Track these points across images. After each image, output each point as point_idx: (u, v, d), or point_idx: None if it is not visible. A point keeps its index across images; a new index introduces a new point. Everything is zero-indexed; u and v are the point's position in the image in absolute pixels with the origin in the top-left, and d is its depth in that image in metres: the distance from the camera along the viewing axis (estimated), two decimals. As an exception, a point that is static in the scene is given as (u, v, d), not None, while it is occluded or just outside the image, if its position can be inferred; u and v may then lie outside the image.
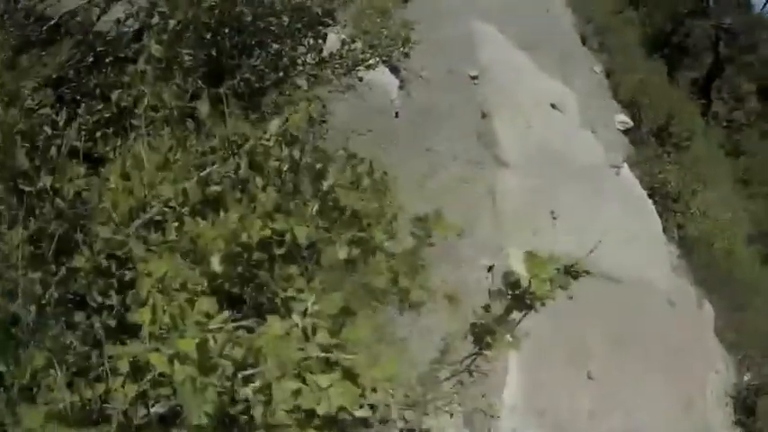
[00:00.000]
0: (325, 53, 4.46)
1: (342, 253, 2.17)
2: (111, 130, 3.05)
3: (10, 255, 1.95)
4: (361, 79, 4.71)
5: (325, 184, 2.27)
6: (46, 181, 2.12)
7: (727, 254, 11.79)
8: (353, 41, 4.94)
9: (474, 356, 2.29)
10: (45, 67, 3.01)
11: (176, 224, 2.07)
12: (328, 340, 1.82)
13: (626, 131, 12.86)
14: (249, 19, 3.42)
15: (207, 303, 1.77)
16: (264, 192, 2.13)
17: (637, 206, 9.99)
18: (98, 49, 3.30)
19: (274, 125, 2.27)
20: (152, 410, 1.68)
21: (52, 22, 3.20)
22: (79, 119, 2.79)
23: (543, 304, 2.42)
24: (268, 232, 2.03)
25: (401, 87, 8.18)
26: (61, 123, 2.67)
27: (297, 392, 1.68)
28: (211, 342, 1.64)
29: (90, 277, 2.02)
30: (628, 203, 9.82)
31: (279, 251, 2.01)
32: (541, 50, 11.90)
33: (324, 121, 4.71)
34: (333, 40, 5.59)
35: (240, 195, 2.18)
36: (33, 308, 1.88)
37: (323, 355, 1.77)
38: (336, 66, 4.57)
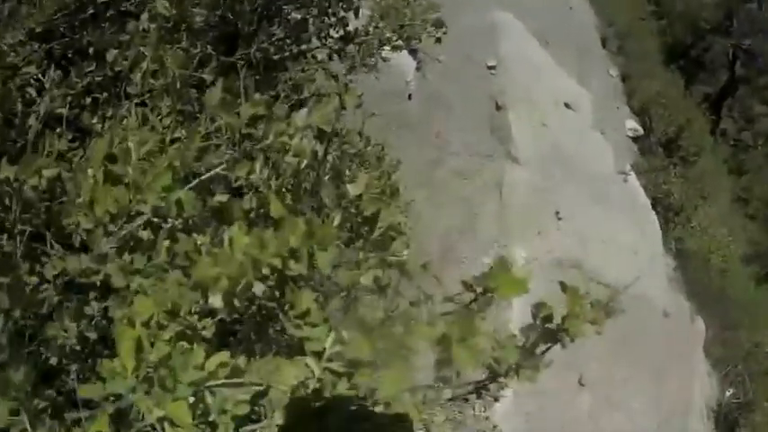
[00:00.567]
0: (350, 28, 4.23)
1: (369, 279, 1.91)
2: (103, 95, 2.75)
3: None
4: (385, 60, 4.48)
5: (351, 192, 2.01)
6: (8, 171, 1.75)
7: (722, 272, 11.70)
8: (382, 18, 4.70)
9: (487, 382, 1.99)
10: (31, 17, 2.66)
11: (168, 243, 1.77)
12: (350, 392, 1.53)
13: (635, 138, 12.68)
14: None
15: (203, 352, 1.49)
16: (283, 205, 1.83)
17: (640, 216, 9.83)
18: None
19: (301, 117, 1.99)
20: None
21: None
22: (66, 81, 2.49)
23: (573, 340, 2.16)
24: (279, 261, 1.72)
25: (418, 69, 7.93)
26: (48, 85, 2.39)
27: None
28: (209, 399, 1.39)
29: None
30: (632, 212, 9.66)
31: (292, 272, 1.71)
32: (560, 47, 11.65)
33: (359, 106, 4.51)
34: (360, 16, 5.37)
35: (251, 207, 1.89)
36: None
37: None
38: (362, 43, 4.33)
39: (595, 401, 7.47)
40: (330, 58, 4.14)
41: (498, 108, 8.38)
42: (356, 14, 3.78)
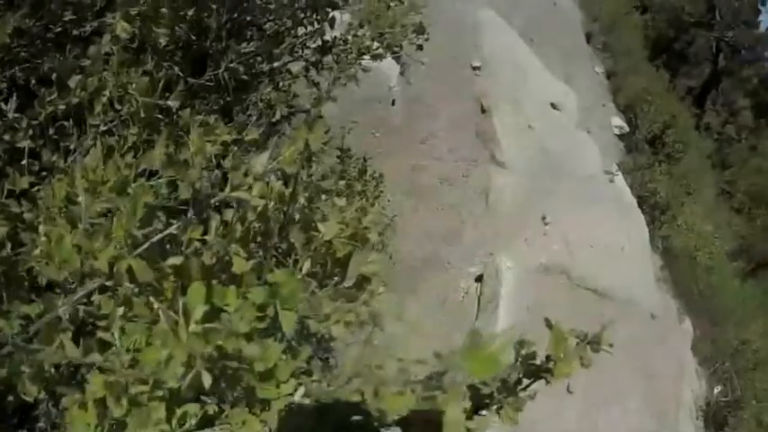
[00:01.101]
0: (327, 37, 3.97)
1: (340, 329, 1.71)
2: (69, 125, 2.51)
3: None
4: (366, 70, 4.23)
5: (323, 236, 1.81)
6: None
7: (709, 269, 11.58)
8: (361, 26, 4.45)
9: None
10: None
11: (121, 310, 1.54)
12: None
13: (621, 136, 12.51)
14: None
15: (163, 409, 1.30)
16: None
17: (627, 216, 9.66)
18: (64, 19, 2.71)
19: (261, 162, 1.76)
20: None
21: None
22: (29, 111, 2.23)
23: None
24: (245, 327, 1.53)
25: (401, 73, 7.66)
26: (11, 115, 2.16)
27: None
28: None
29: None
30: (618, 213, 9.49)
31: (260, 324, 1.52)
32: (546, 44, 11.43)
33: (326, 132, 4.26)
34: (338, 24, 5.11)
35: (210, 264, 1.67)
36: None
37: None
38: (340, 53, 4.08)
39: (584, 407, 7.31)
40: (307, 70, 3.88)
41: (483, 111, 8.14)
42: (331, 25, 3.52)
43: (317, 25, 3.47)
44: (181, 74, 2.80)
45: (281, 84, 3.39)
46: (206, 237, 1.64)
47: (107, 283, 1.67)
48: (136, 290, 1.68)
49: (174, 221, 1.65)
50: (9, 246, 1.71)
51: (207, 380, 1.37)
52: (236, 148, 1.95)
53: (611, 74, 13.80)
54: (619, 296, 7.96)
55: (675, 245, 11.10)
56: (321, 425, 1.63)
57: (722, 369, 10.53)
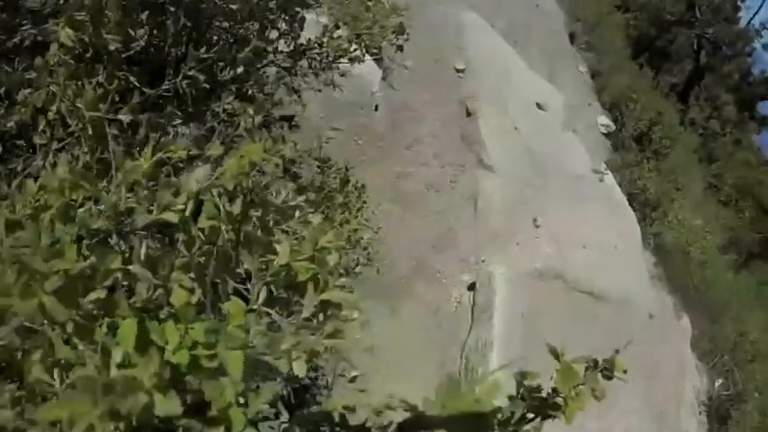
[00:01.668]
0: (302, 40, 3.70)
1: (301, 368, 1.42)
2: (20, 143, 2.26)
3: None
4: (343, 74, 3.97)
5: (278, 260, 1.53)
6: None
7: (702, 263, 11.36)
8: (337, 27, 4.18)
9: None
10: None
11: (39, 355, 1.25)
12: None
13: (608, 134, 12.29)
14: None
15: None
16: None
17: (618, 214, 9.41)
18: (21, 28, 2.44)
19: (199, 177, 1.47)
20: None
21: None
22: None
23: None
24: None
25: (383, 78, 7.38)
26: None
27: None
28: None
29: None
30: (609, 212, 9.23)
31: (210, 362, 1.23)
32: (529, 46, 11.21)
33: (294, 125, 3.97)
34: (312, 25, 4.84)
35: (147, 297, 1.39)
36: None
37: None
38: (315, 57, 3.79)
39: (586, 410, 7.00)
40: (280, 76, 3.60)
41: (468, 114, 7.88)
42: (301, 26, 3.23)
43: (284, 26, 3.17)
44: (137, 84, 2.51)
45: (249, 92, 3.09)
46: (129, 267, 1.34)
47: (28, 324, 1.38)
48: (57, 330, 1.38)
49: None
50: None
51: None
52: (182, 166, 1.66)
53: (596, 73, 13.59)
54: (615, 297, 7.68)
55: (667, 241, 10.88)
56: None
57: (722, 363, 10.31)
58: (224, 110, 2.77)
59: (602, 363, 2.03)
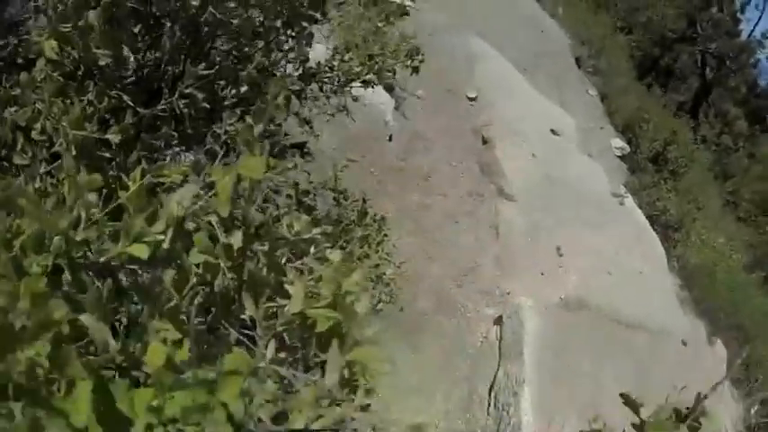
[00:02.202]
0: (311, 63, 3.37)
1: None
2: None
3: None
4: (355, 99, 3.65)
5: (290, 309, 1.16)
6: None
7: (729, 284, 10.82)
8: (347, 50, 3.87)
9: None
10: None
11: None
12: None
13: (622, 157, 11.90)
14: (200, 7, 2.21)
15: None
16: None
17: (641, 238, 8.97)
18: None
19: (177, 202, 1.13)
20: None
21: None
22: None
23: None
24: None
25: (396, 108, 7.05)
26: None
27: None
28: None
29: None
30: (632, 235, 8.80)
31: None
32: (538, 72, 10.93)
33: (306, 153, 3.64)
34: (320, 51, 4.54)
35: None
36: None
37: None
38: (326, 80, 3.45)
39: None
40: (288, 100, 3.26)
41: (485, 142, 7.52)
42: (308, 43, 2.88)
43: (292, 45, 2.82)
44: (130, 103, 2.18)
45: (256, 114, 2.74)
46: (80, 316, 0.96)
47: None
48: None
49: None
50: None
51: None
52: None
53: (604, 96, 13.28)
54: (647, 325, 7.20)
55: (692, 263, 10.37)
56: None
57: (756, 388, 9.72)
58: (226, 131, 2.41)
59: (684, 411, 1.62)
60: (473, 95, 8.12)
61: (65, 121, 1.88)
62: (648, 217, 10.06)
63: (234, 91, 2.46)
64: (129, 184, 1.26)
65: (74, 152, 1.84)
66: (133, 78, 2.13)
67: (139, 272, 1.27)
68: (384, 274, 5.00)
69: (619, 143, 11.80)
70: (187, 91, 2.13)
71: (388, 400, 5.08)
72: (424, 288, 5.81)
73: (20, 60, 2.32)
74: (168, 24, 2.24)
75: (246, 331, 1.32)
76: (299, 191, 3.06)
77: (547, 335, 5.79)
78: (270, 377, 1.07)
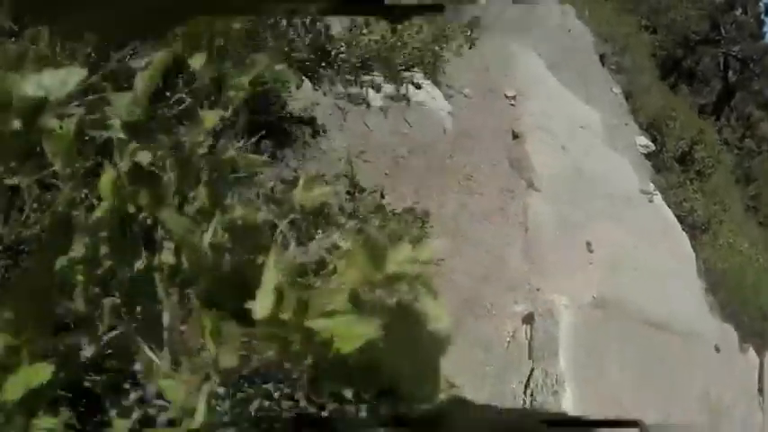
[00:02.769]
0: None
1: None
2: None
3: None
4: (407, 98, 3.33)
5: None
6: None
7: (756, 289, 10.49)
8: (367, 24, 3.56)
9: None
10: None
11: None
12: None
13: (647, 155, 11.57)
14: None
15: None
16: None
17: (671, 237, 8.68)
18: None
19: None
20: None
21: None
22: None
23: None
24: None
25: (449, 110, 6.77)
26: None
27: None
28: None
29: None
30: (662, 234, 8.51)
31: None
32: (566, 70, 10.65)
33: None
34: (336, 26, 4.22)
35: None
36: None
37: None
38: (342, 58, 3.16)
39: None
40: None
41: (515, 137, 7.28)
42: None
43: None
44: None
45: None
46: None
47: None
48: None
49: None
50: None
51: None
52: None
53: (629, 94, 12.95)
54: (678, 328, 6.91)
55: (719, 266, 10.04)
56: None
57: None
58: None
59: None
60: (512, 94, 7.91)
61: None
62: (676, 217, 9.76)
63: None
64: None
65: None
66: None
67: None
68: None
69: (644, 141, 11.47)
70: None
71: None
72: (452, 288, 5.57)
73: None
74: None
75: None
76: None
77: (580, 334, 5.54)
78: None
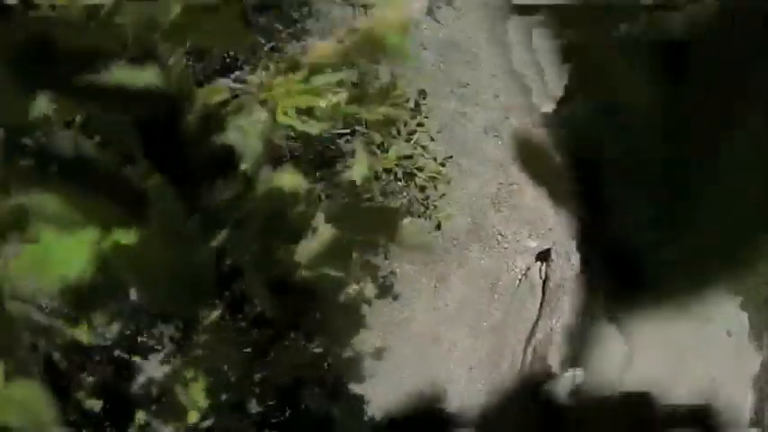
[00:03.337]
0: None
1: None
2: None
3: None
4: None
5: None
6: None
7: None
8: None
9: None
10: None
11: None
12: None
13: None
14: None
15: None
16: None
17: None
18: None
19: None
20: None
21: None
22: None
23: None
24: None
25: (428, 14, 5.82)
26: None
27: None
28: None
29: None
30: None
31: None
32: None
33: None
34: None
35: None
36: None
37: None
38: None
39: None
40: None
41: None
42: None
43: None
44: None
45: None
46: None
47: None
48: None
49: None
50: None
51: None
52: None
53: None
54: (693, 308, 5.97)
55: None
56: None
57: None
58: None
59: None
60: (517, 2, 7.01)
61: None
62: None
63: None
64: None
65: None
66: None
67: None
68: (420, 169, 3.71)
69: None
70: None
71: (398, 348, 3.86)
72: (457, 209, 4.55)
73: None
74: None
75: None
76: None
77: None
78: None
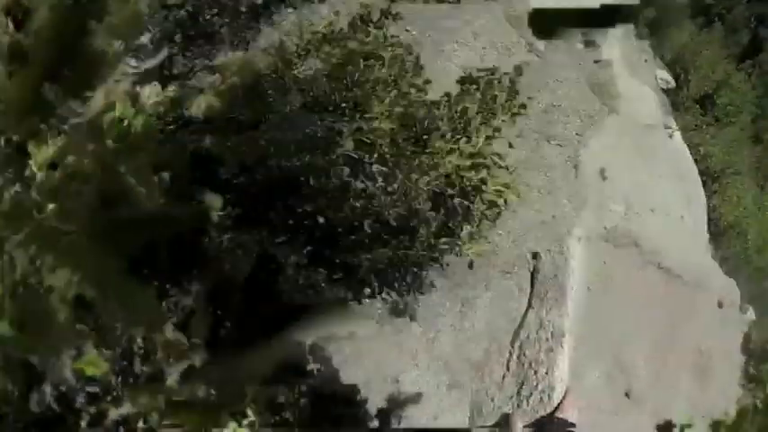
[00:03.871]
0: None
1: None
2: None
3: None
4: None
5: None
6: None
7: (759, 250, 9.58)
8: None
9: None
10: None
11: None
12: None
13: (666, 91, 10.34)
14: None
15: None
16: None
17: (686, 180, 7.61)
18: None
19: None
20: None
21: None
22: None
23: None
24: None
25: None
26: None
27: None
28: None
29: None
30: (677, 175, 7.44)
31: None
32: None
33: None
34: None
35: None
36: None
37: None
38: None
39: (642, 415, 5.34)
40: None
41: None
42: None
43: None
44: None
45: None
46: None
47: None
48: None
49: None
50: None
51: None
52: None
53: (653, 26, 11.56)
54: (688, 277, 5.95)
55: (726, 219, 9.05)
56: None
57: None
58: None
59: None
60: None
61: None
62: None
63: None
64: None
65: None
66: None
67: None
68: (489, 167, 3.11)
69: (664, 75, 10.19)
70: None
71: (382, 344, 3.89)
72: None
73: None
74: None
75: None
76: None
77: (591, 272, 4.52)
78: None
